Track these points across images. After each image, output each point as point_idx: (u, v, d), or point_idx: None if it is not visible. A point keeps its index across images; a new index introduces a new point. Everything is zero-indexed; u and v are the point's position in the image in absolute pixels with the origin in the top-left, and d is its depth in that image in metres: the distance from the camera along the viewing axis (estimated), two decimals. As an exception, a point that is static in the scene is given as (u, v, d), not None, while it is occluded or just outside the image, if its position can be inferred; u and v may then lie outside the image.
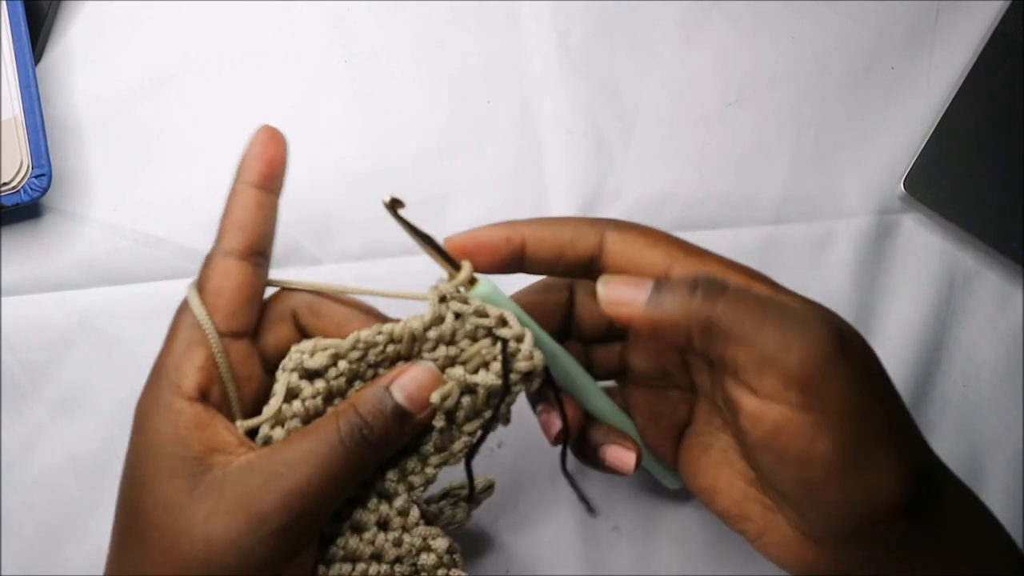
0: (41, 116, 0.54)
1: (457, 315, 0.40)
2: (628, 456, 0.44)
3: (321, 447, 0.38)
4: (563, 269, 0.42)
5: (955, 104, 0.58)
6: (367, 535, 0.41)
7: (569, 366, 0.44)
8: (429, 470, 0.42)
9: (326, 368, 0.40)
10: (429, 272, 0.56)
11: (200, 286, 0.41)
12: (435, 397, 0.39)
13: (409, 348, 0.41)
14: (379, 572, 0.41)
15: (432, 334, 0.40)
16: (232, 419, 0.41)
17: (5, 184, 0.53)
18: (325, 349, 0.40)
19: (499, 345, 0.40)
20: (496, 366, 0.40)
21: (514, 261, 0.42)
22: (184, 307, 0.41)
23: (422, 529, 0.42)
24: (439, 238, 0.41)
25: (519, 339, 0.40)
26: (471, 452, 0.42)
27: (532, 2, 0.60)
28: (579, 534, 0.55)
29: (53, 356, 0.55)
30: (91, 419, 0.55)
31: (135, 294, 0.55)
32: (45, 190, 0.53)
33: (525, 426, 0.55)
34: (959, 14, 0.60)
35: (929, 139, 0.58)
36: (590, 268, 0.42)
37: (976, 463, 0.57)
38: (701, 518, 0.54)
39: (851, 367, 0.37)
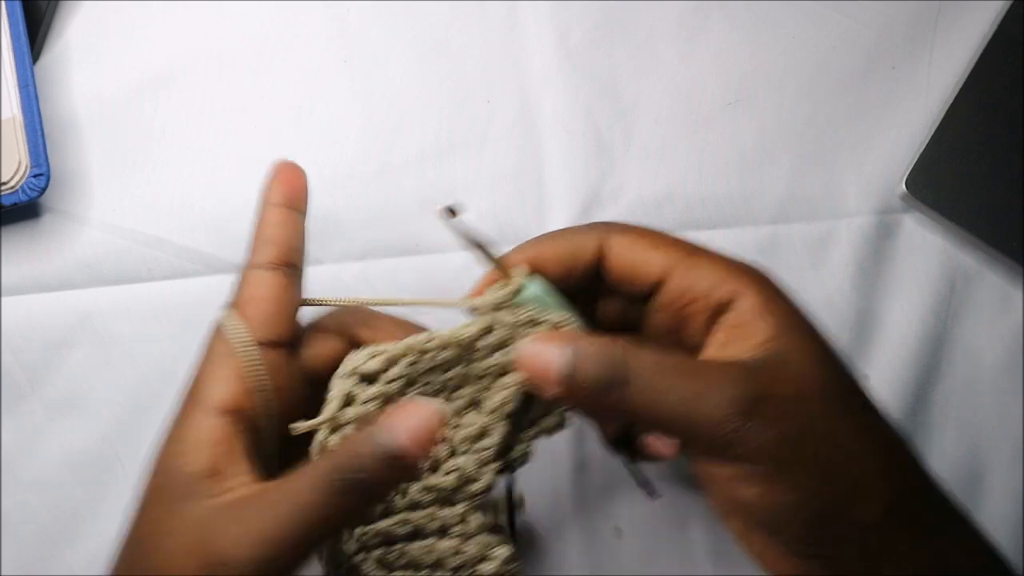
0: (39, 116, 0.54)
1: (509, 324, 0.40)
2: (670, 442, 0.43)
3: (303, 492, 0.35)
4: (577, 280, 0.42)
5: (956, 104, 0.58)
6: (427, 542, 0.40)
7: None
8: (488, 476, 0.41)
9: (379, 373, 0.40)
10: (429, 272, 0.56)
11: (233, 302, 0.40)
12: (490, 407, 0.40)
13: (460, 355, 0.40)
14: None
15: (485, 342, 0.40)
16: (266, 433, 0.39)
17: (3, 184, 0.53)
18: (380, 354, 0.40)
19: None
20: None
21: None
22: (218, 324, 0.40)
23: (483, 538, 0.40)
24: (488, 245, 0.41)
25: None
26: (515, 464, 0.42)
27: (532, 2, 0.59)
28: (580, 534, 0.55)
29: (52, 356, 0.55)
30: (90, 419, 0.54)
31: (135, 294, 0.55)
32: (44, 190, 0.53)
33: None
34: (960, 14, 0.60)
35: (930, 139, 0.58)
36: (599, 273, 0.42)
37: (976, 463, 0.57)
38: (702, 519, 0.54)
39: (769, 423, 0.36)
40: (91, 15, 0.58)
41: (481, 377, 0.41)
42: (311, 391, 0.41)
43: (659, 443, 0.41)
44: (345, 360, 0.40)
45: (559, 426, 0.42)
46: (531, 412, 0.42)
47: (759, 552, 0.39)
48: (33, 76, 0.54)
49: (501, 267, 0.40)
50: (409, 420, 0.36)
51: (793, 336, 0.38)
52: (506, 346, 0.40)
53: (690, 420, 0.37)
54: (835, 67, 0.60)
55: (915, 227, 0.58)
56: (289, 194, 0.42)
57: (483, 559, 0.40)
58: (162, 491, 0.38)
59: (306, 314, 0.43)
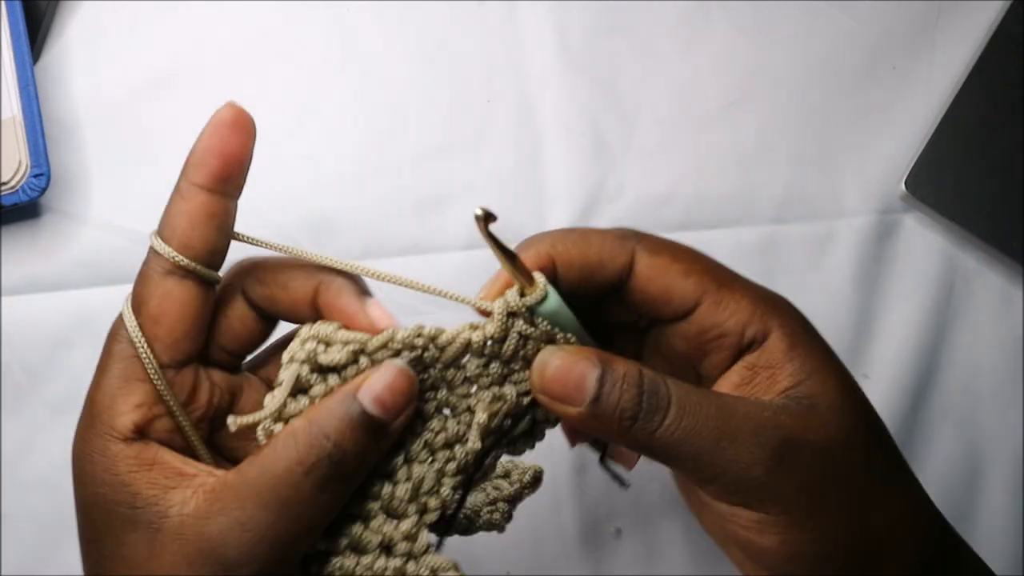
0: (39, 116, 0.54)
1: (521, 335, 0.35)
2: (634, 457, 0.41)
3: (280, 486, 0.32)
4: (594, 289, 0.38)
5: (956, 104, 0.58)
6: (366, 559, 0.35)
7: None
8: (446, 491, 0.36)
9: (344, 365, 0.35)
10: (428, 271, 0.56)
11: (136, 308, 0.35)
12: (481, 417, 0.35)
13: (454, 358, 0.36)
14: None
15: (487, 349, 0.36)
16: (184, 449, 0.36)
17: (4, 184, 0.53)
18: (347, 343, 0.35)
19: None
20: None
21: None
22: (116, 334, 0.36)
23: (431, 559, 0.35)
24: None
25: None
26: (482, 474, 0.38)
27: (532, 2, 0.59)
28: (580, 535, 0.55)
29: (52, 356, 0.55)
30: (90, 419, 0.54)
31: (134, 294, 0.55)
32: (44, 190, 0.53)
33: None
34: (960, 14, 0.60)
35: (930, 139, 0.58)
36: (620, 286, 0.38)
37: (976, 463, 0.57)
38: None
39: (797, 470, 0.35)
40: (91, 15, 0.58)
41: (464, 382, 0.36)
42: (218, 387, 0.37)
43: (624, 456, 0.41)
44: (301, 337, 0.35)
45: (532, 444, 0.38)
46: (507, 429, 0.37)
47: None
48: (33, 76, 0.54)
49: (526, 275, 0.35)
50: (383, 381, 0.34)
51: (822, 380, 0.36)
52: (509, 357, 0.36)
53: (717, 461, 0.34)
54: (835, 67, 0.60)
55: (915, 227, 0.58)
56: (220, 172, 0.35)
57: None
58: (111, 529, 0.35)
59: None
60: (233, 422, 0.35)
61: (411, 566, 0.35)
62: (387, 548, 0.35)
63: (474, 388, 0.36)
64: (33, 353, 0.55)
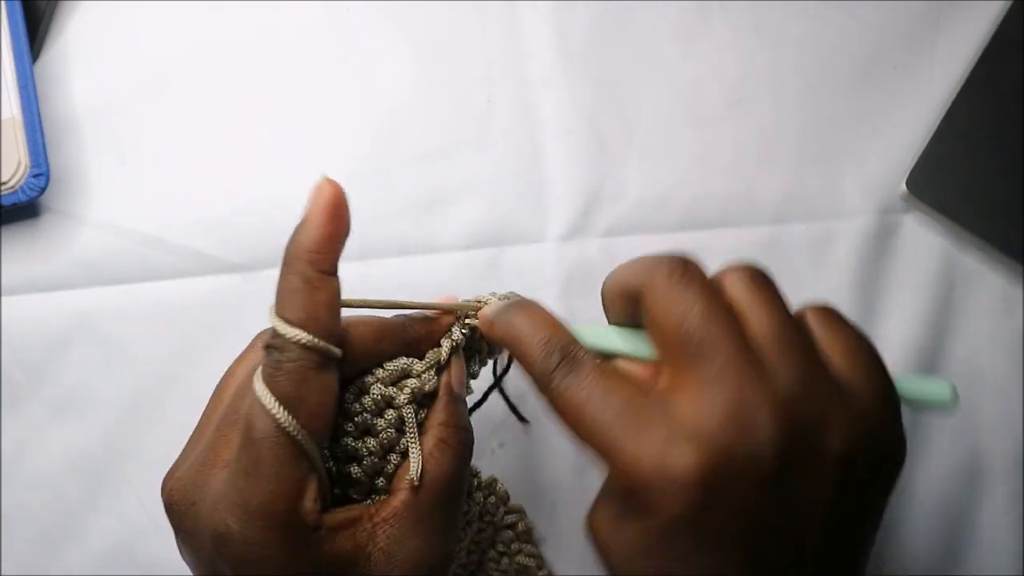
0: (39, 115, 0.54)
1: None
2: None
3: (448, 476, 0.39)
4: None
5: (957, 104, 0.58)
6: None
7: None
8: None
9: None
10: (428, 271, 0.56)
11: (290, 406, 0.34)
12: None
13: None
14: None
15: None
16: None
17: (3, 184, 0.53)
18: (429, 367, 0.40)
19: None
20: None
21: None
22: (255, 425, 0.35)
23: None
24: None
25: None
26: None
27: (532, 2, 0.59)
28: (579, 534, 0.54)
29: (51, 356, 0.55)
30: (90, 419, 0.54)
31: (134, 294, 0.55)
32: (43, 190, 0.53)
33: (526, 427, 0.55)
34: (961, 14, 0.60)
35: (931, 139, 0.58)
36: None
37: (976, 463, 0.57)
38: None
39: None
40: (90, 15, 0.58)
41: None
42: None
43: None
44: (372, 384, 0.39)
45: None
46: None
47: None
48: (33, 76, 0.54)
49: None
50: (455, 374, 0.40)
51: None
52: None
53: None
54: (836, 67, 0.60)
55: (915, 227, 0.58)
56: (338, 255, 0.36)
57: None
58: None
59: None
60: (359, 470, 0.39)
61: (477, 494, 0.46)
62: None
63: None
64: (32, 353, 0.55)
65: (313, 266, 0.35)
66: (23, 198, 0.53)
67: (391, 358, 0.39)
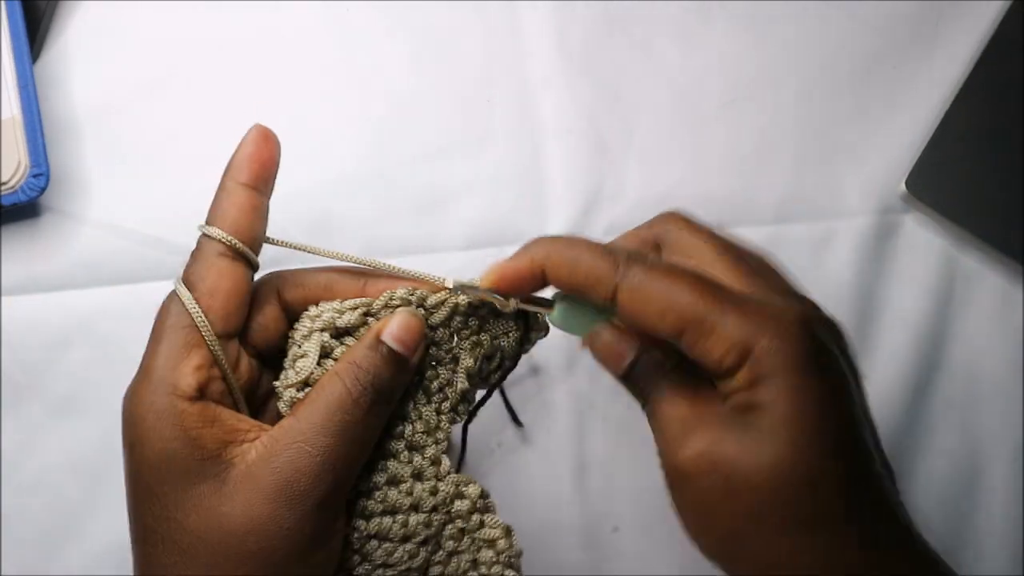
0: (39, 115, 0.54)
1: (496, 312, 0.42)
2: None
3: (336, 413, 0.38)
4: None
5: (956, 104, 0.58)
6: (404, 486, 0.41)
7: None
8: (445, 424, 0.43)
9: (357, 326, 0.41)
10: (428, 271, 0.56)
11: (191, 285, 0.40)
12: (468, 362, 0.42)
13: (443, 321, 0.42)
14: (418, 521, 0.41)
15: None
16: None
17: (3, 184, 0.53)
18: (355, 308, 0.41)
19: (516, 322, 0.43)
20: (515, 335, 0.43)
21: (538, 286, 0.41)
22: (169, 308, 0.40)
23: (455, 476, 0.42)
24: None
25: (535, 315, 0.43)
26: (474, 412, 0.45)
27: (532, 2, 0.59)
28: (579, 534, 0.55)
29: (51, 356, 0.55)
30: (89, 419, 0.54)
31: (134, 294, 0.55)
32: (43, 190, 0.53)
33: (524, 428, 0.55)
34: (960, 14, 0.60)
35: (931, 139, 0.58)
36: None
37: (976, 463, 0.57)
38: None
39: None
40: (90, 15, 0.58)
41: (448, 337, 0.43)
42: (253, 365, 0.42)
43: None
44: (312, 313, 0.41)
45: (503, 377, 0.45)
46: (483, 370, 0.44)
47: None
48: (33, 76, 0.54)
49: (539, 303, 0.41)
50: (400, 325, 0.40)
51: (780, 418, 0.35)
52: (484, 314, 0.42)
53: (664, 444, 0.38)
54: (836, 67, 0.60)
55: (915, 227, 0.58)
56: (259, 173, 0.41)
57: (458, 496, 0.42)
58: (179, 482, 0.38)
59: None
60: (279, 384, 0.40)
61: (441, 485, 0.42)
62: (418, 475, 0.42)
63: (456, 340, 0.43)
64: (32, 353, 0.55)
65: (231, 178, 0.41)
66: (23, 198, 0.53)
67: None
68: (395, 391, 0.41)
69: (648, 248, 0.43)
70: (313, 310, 0.41)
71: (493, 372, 0.44)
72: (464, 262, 0.57)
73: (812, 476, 0.35)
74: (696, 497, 0.38)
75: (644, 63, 0.60)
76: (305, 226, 0.56)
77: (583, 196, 0.58)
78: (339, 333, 0.41)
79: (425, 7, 0.59)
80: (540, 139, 0.58)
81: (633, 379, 0.40)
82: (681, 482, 0.38)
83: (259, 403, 0.43)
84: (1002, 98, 0.58)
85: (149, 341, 0.40)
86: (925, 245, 0.58)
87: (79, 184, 0.56)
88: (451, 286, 0.41)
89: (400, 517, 0.41)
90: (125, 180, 0.57)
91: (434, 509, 0.42)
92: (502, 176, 0.58)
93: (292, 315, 0.42)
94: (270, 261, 0.42)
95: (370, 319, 0.41)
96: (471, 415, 0.45)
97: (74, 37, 0.58)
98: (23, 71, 0.54)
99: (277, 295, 0.42)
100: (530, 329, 0.43)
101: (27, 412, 0.54)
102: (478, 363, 0.43)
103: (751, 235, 0.58)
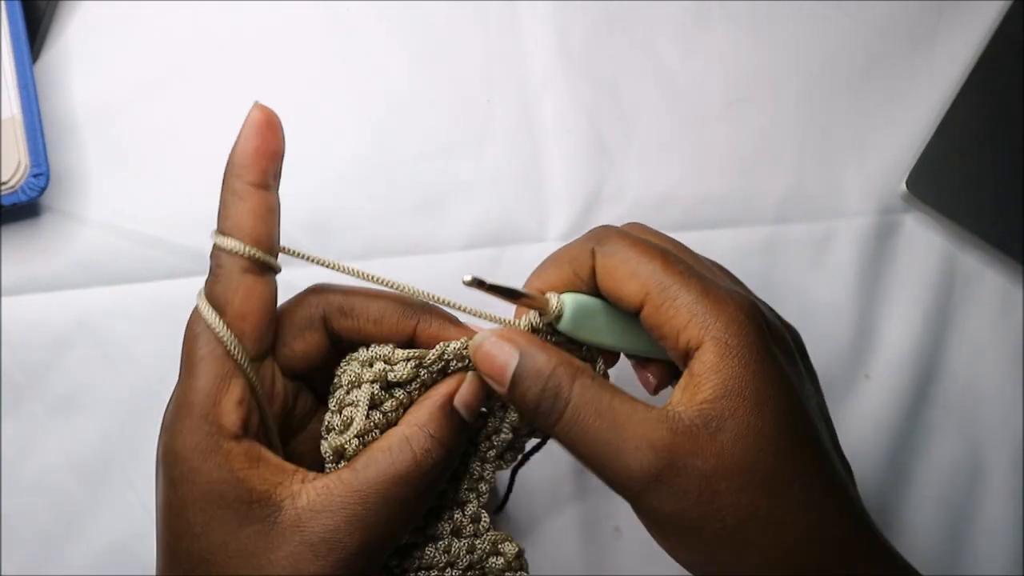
0: (39, 115, 0.54)
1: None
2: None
3: (400, 481, 0.36)
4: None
5: (957, 104, 0.58)
6: (442, 544, 0.41)
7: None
8: (488, 475, 0.42)
9: (409, 380, 0.39)
10: (427, 271, 0.56)
11: (217, 305, 0.37)
12: (514, 416, 0.41)
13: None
14: None
15: None
16: (266, 442, 0.38)
17: (3, 183, 0.53)
18: (408, 359, 0.39)
19: None
20: None
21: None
22: (198, 332, 0.37)
23: (492, 535, 0.41)
24: (517, 286, 0.40)
25: (592, 361, 0.41)
26: (525, 458, 0.44)
27: (532, 2, 0.59)
28: (580, 534, 0.55)
29: (51, 356, 0.55)
30: (90, 419, 0.54)
31: (133, 294, 0.55)
32: (43, 189, 0.53)
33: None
34: (961, 14, 0.60)
35: (931, 139, 0.58)
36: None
37: (976, 463, 0.57)
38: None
39: (674, 496, 0.36)
40: (90, 15, 0.58)
41: None
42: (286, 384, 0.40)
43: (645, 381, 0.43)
44: (354, 360, 0.39)
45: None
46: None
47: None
48: (33, 76, 0.54)
49: (538, 304, 0.39)
50: (471, 392, 0.39)
51: (735, 402, 0.35)
52: None
53: (605, 467, 0.36)
54: (836, 67, 0.60)
55: (915, 227, 0.58)
56: (270, 168, 0.37)
57: (494, 554, 0.41)
58: (224, 524, 0.36)
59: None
60: (326, 445, 0.38)
61: (478, 543, 0.41)
62: (456, 532, 0.41)
63: None
64: (33, 353, 0.55)
65: (240, 179, 0.37)
66: (23, 198, 0.53)
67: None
68: (458, 458, 0.40)
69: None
70: (363, 353, 0.39)
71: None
72: (464, 262, 0.57)
73: (781, 463, 0.36)
74: (665, 496, 0.36)
75: (644, 63, 0.60)
76: (304, 226, 0.56)
77: (583, 196, 0.58)
78: (389, 385, 0.39)
79: (425, 7, 0.59)
80: (540, 139, 0.58)
81: (524, 386, 0.37)
82: (647, 489, 0.36)
83: (296, 424, 0.41)
84: (1002, 98, 0.58)
85: (182, 370, 0.37)
86: (925, 245, 0.58)
87: (79, 184, 0.56)
88: (468, 280, 0.37)
89: (434, 573, 0.40)
90: (125, 180, 0.57)
91: (469, 567, 0.41)
92: (502, 176, 0.58)
93: (335, 338, 0.40)
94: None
95: (423, 371, 0.39)
96: (521, 461, 0.43)
97: (74, 37, 0.58)
98: (23, 71, 0.54)
99: (323, 321, 0.40)
100: None
101: (27, 412, 0.54)
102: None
103: (751, 235, 0.58)
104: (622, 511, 0.55)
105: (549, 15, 0.59)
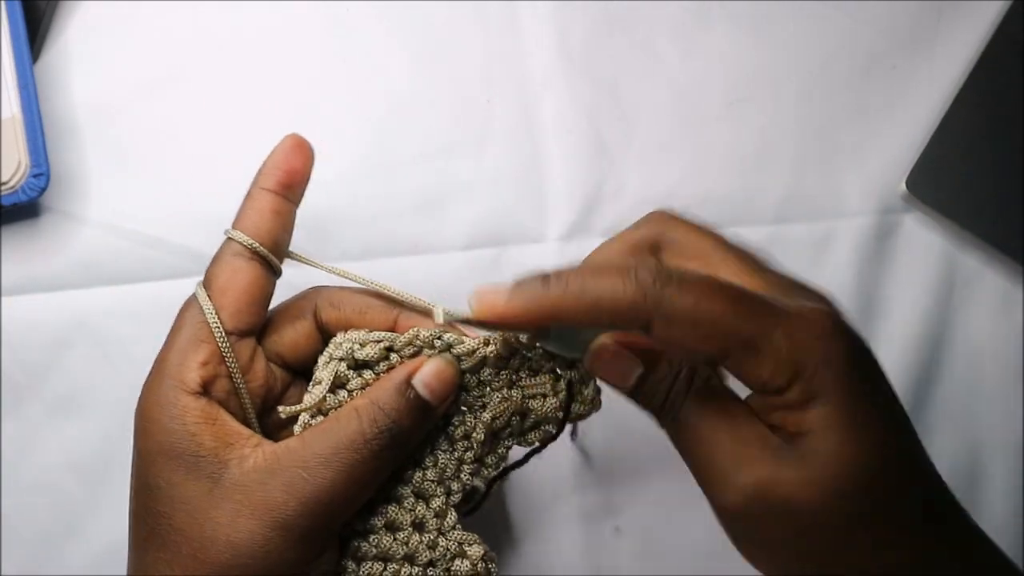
0: (39, 115, 0.54)
1: (525, 356, 0.41)
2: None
3: (344, 450, 0.37)
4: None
5: (957, 104, 0.58)
6: (401, 535, 0.40)
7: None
8: (465, 476, 0.41)
9: (377, 360, 0.40)
10: (427, 271, 0.56)
11: (207, 283, 0.41)
12: (486, 416, 0.40)
13: (473, 368, 0.41)
14: (411, 574, 0.40)
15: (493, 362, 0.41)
16: (240, 415, 0.40)
17: (3, 184, 0.53)
18: (379, 341, 0.40)
19: (562, 383, 0.41)
20: (552, 401, 0.41)
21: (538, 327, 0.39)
22: (189, 305, 0.41)
23: (458, 534, 0.41)
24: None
25: (583, 383, 0.41)
26: (505, 472, 0.43)
27: (532, 2, 0.59)
28: (580, 534, 0.55)
29: (51, 356, 0.55)
30: (90, 419, 0.54)
31: (133, 294, 0.55)
32: (43, 190, 0.53)
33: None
34: (961, 13, 0.60)
35: (931, 139, 0.58)
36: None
37: (976, 463, 0.57)
38: (703, 519, 0.54)
39: (761, 526, 0.36)
40: (91, 15, 0.58)
41: (477, 385, 0.41)
42: (273, 372, 0.42)
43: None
44: (337, 340, 0.41)
45: (539, 437, 0.42)
46: (517, 428, 0.42)
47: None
48: (33, 76, 0.54)
49: (531, 338, 0.40)
50: (433, 372, 0.39)
51: (839, 439, 0.34)
52: (516, 367, 0.41)
53: (704, 483, 0.37)
54: (836, 67, 0.60)
55: (915, 227, 0.58)
56: (285, 181, 0.42)
57: (459, 555, 0.40)
58: (173, 477, 0.38)
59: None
60: (283, 410, 0.40)
61: (441, 540, 0.40)
62: (419, 525, 0.40)
63: (487, 390, 0.41)
64: (32, 353, 0.55)
65: (256, 184, 0.42)
66: (23, 198, 0.53)
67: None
68: (413, 439, 0.39)
69: (646, 251, 0.41)
70: (340, 337, 0.41)
71: (529, 431, 0.42)
72: (464, 262, 0.57)
73: (879, 506, 0.35)
74: (753, 535, 0.37)
75: (644, 63, 0.60)
76: (304, 226, 0.56)
77: (583, 196, 0.58)
78: (358, 365, 0.40)
79: (425, 7, 0.59)
80: (540, 139, 0.58)
81: (646, 393, 0.38)
82: (734, 521, 0.37)
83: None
84: (1002, 98, 0.58)
85: (168, 336, 0.41)
86: (925, 245, 0.58)
87: (79, 184, 0.56)
88: (441, 320, 0.38)
89: (392, 566, 0.40)
90: (125, 180, 0.57)
91: (430, 564, 0.40)
92: (502, 176, 0.58)
93: (327, 334, 0.42)
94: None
95: (392, 355, 0.40)
96: (500, 475, 0.42)
97: (74, 37, 0.58)
98: (23, 71, 0.54)
99: (314, 313, 0.42)
100: (573, 399, 0.41)
101: (27, 412, 0.54)
102: (506, 419, 0.41)
103: (751, 235, 0.58)
104: (622, 510, 0.55)
105: (549, 15, 0.59)
